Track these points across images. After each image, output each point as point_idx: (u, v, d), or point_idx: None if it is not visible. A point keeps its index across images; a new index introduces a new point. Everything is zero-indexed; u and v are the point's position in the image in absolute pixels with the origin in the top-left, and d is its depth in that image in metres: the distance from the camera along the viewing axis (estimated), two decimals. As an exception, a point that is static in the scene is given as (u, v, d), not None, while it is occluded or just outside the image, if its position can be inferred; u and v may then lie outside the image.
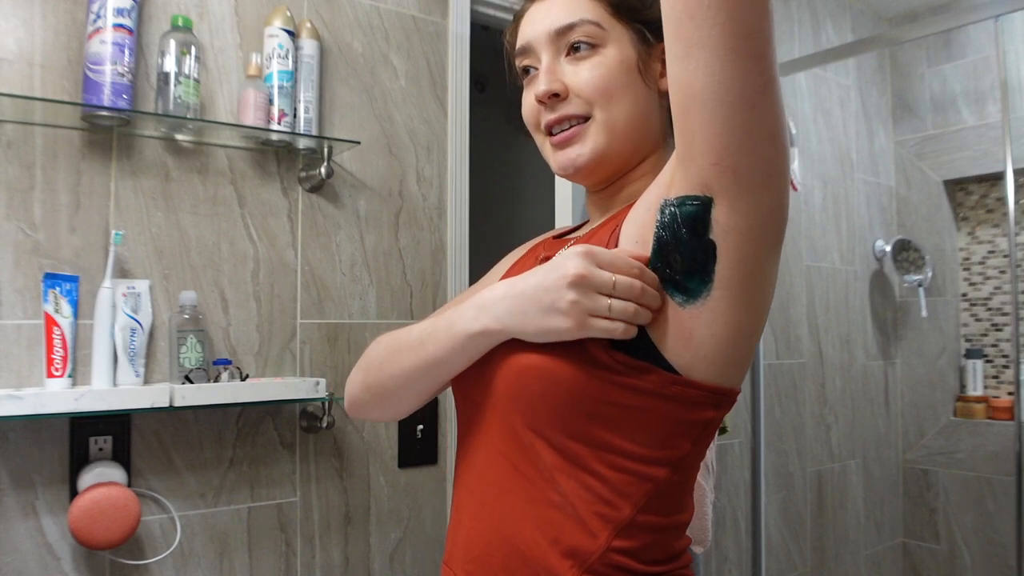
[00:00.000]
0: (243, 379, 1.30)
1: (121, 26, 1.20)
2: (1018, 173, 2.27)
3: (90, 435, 1.21)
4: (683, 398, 0.64)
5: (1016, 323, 2.07)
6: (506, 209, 2.84)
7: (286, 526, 1.42)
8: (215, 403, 1.23)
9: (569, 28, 0.74)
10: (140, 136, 1.29)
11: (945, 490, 2.67)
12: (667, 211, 0.62)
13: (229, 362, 1.31)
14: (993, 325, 2.67)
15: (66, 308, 1.17)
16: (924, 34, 2.08)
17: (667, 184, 0.63)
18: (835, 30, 2.66)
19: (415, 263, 1.62)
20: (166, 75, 1.26)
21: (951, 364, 2.73)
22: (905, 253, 2.72)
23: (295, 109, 1.40)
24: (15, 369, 1.17)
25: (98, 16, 1.18)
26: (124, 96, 1.20)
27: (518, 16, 0.81)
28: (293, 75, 1.39)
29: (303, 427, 1.45)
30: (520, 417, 0.67)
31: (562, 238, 0.84)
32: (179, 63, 1.26)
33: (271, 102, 1.36)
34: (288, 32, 1.38)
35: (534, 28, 0.76)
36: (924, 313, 2.66)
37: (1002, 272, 2.64)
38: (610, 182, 0.78)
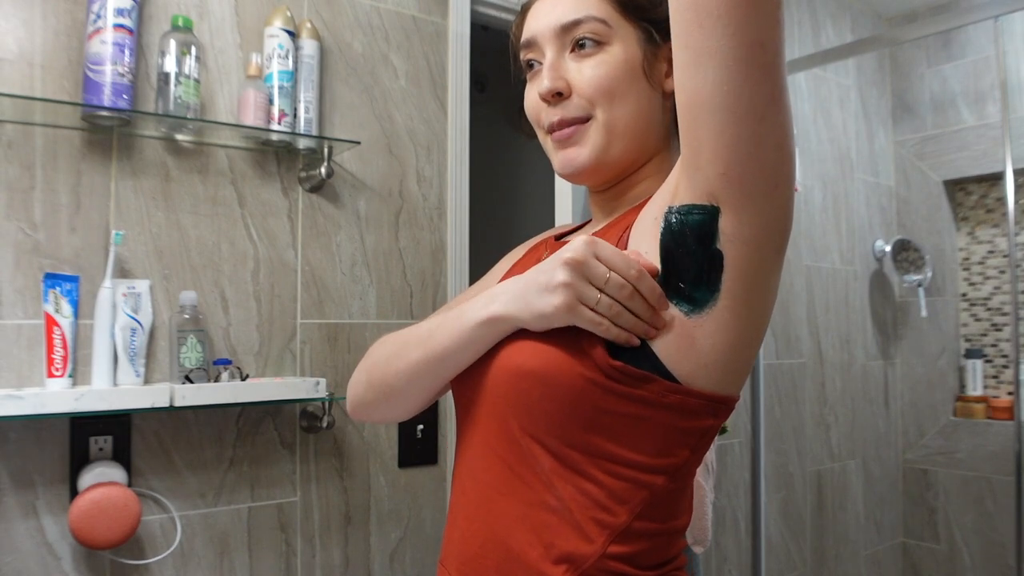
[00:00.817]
0: (243, 379, 1.30)
1: (121, 26, 1.20)
2: (1018, 173, 2.27)
3: (90, 435, 1.21)
4: (683, 407, 0.63)
5: (1016, 323, 2.07)
6: (506, 209, 2.84)
7: (286, 526, 1.42)
8: (215, 403, 1.23)
9: (575, 24, 0.72)
10: (140, 136, 1.29)
11: (945, 490, 2.67)
12: (672, 219, 0.61)
13: (229, 362, 1.31)
14: (993, 325, 2.67)
15: (66, 308, 1.17)
16: (924, 34, 2.08)
17: (672, 191, 0.62)
18: (835, 30, 2.66)
19: (415, 263, 1.62)
20: (166, 75, 1.26)
21: (951, 364, 2.73)
22: (905, 253, 2.72)
23: (295, 109, 1.40)
24: (15, 369, 1.17)
25: (98, 16, 1.19)
26: (124, 96, 1.20)
27: (525, 8, 0.80)
28: (293, 75, 1.39)
29: (303, 427, 1.45)
30: (517, 421, 0.67)
31: (563, 238, 0.84)
32: (179, 63, 1.26)
33: (271, 102, 1.37)
34: (288, 32, 1.38)
35: (539, 22, 0.75)
36: (924, 313, 2.66)
37: (1002, 272, 2.64)
38: (613, 183, 0.77)
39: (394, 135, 1.60)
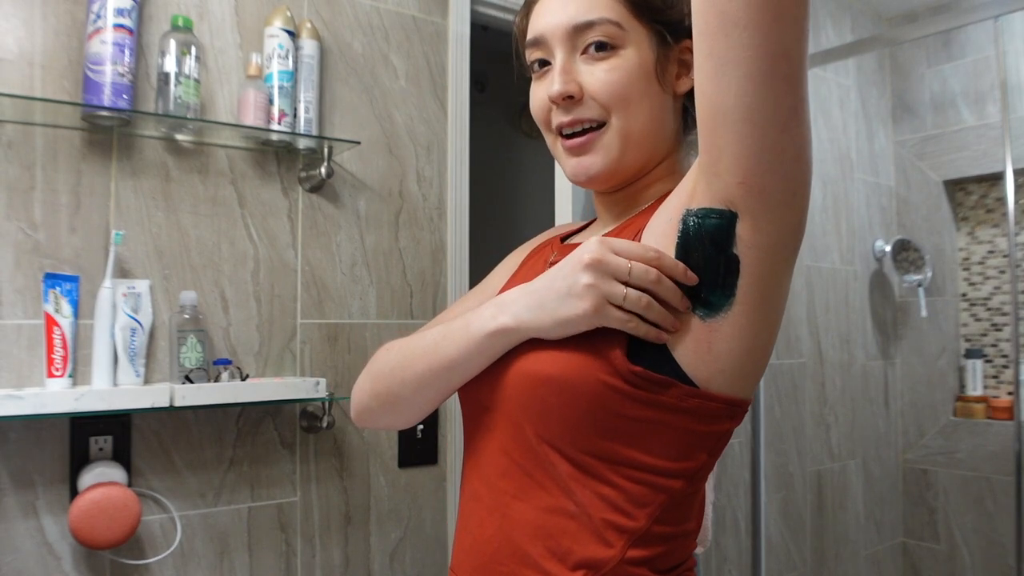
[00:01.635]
0: (243, 379, 1.30)
1: (121, 26, 1.20)
2: (1018, 173, 2.27)
3: (90, 435, 1.21)
4: (701, 411, 0.63)
5: (1016, 323, 2.07)
6: (506, 209, 2.84)
7: (286, 526, 1.42)
8: (215, 403, 1.23)
9: (588, 26, 0.70)
10: (140, 136, 1.29)
11: (945, 490, 2.67)
12: (690, 222, 0.61)
13: (229, 362, 1.31)
14: (993, 325, 2.67)
15: (66, 308, 1.17)
16: (924, 34, 2.08)
17: (689, 193, 0.62)
18: (835, 30, 2.66)
19: (415, 263, 1.62)
20: (166, 75, 1.26)
21: (951, 364, 2.73)
22: (905, 253, 2.72)
23: (295, 109, 1.40)
24: (15, 369, 1.17)
25: (98, 16, 1.19)
26: (124, 96, 1.20)
27: (530, 2, 0.77)
28: (293, 75, 1.39)
29: (303, 427, 1.45)
30: (532, 428, 0.66)
31: (568, 239, 0.83)
32: (179, 63, 1.26)
33: (271, 102, 1.37)
34: (288, 32, 1.38)
35: (549, 20, 0.72)
36: (924, 313, 2.66)
37: (1002, 272, 2.64)
38: (623, 186, 0.76)
39: (394, 135, 1.60)
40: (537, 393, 0.65)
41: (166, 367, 1.29)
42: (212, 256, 1.36)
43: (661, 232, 0.64)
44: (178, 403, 1.19)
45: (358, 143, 1.49)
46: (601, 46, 0.70)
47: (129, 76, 1.21)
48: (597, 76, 0.70)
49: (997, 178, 2.61)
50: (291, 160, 1.46)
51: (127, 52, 1.20)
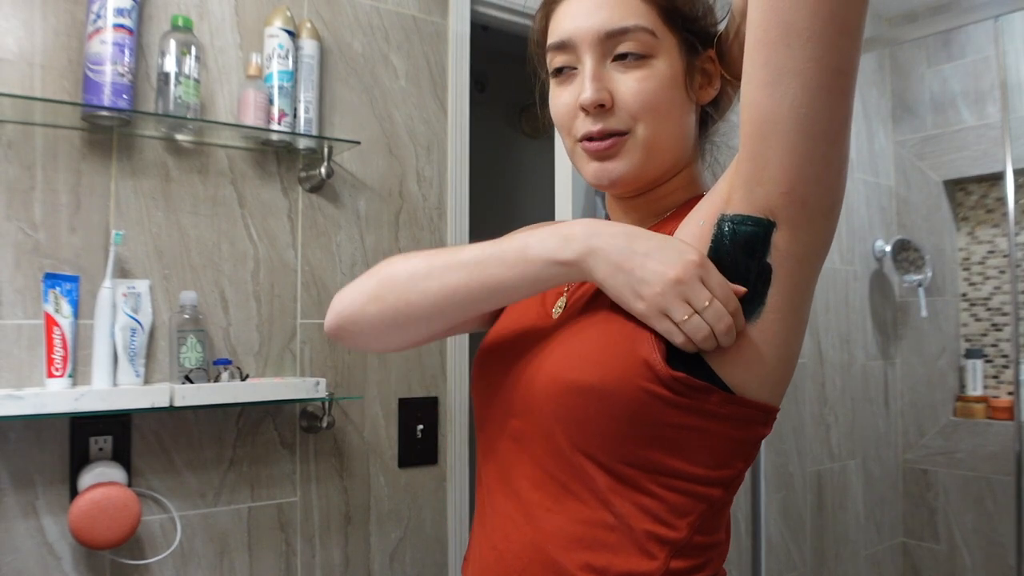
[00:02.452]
0: (243, 379, 1.30)
1: (121, 26, 1.20)
2: (1018, 173, 2.27)
3: (90, 435, 1.21)
4: (738, 417, 0.63)
5: (1016, 323, 2.07)
6: (506, 209, 2.84)
7: (286, 526, 1.42)
8: (215, 403, 1.23)
9: (622, 33, 0.68)
10: (140, 136, 1.29)
11: (945, 490, 2.67)
12: (725, 227, 0.61)
13: (229, 362, 1.31)
14: (993, 325, 2.67)
15: (66, 308, 1.17)
16: (924, 34, 2.08)
17: (725, 199, 0.62)
18: (835, 30, 2.65)
19: (415, 263, 1.62)
20: (166, 75, 1.26)
21: (951, 364, 2.73)
22: (905, 253, 2.72)
23: (295, 109, 1.40)
24: (15, 369, 1.17)
25: (98, 16, 1.19)
26: (124, 96, 1.20)
27: (550, 4, 0.74)
28: (293, 75, 1.39)
29: (303, 427, 1.45)
30: (567, 438, 0.64)
31: None
32: (179, 63, 1.26)
33: (271, 102, 1.37)
34: (288, 32, 1.38)
35: (578, 24, 0.69)
36: (924, 313, 2.66)
37: (1002, 272, 2.64)
38: (643, 191, 0.75)
39: (394, 135, 1.60)
40: (573, 401, 0.63)
41: (166, 367, 1.29)
42: (212, 256, 1.36)
43: (691, 235, 0.63)
44: (178, 403, 1.19)
45: (358, 143, 1.49)
46: (634, 55, 0.68)
47: (129, 76, 1.21)
48: (629, 85, 0.68)
49: (997, 178, 2.60)
50: (291, 160, 1.46)
51: (127, 52, 1.20)
